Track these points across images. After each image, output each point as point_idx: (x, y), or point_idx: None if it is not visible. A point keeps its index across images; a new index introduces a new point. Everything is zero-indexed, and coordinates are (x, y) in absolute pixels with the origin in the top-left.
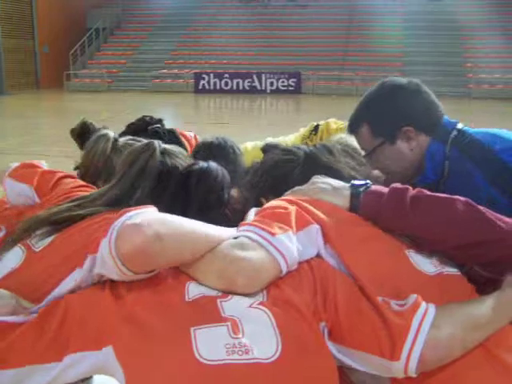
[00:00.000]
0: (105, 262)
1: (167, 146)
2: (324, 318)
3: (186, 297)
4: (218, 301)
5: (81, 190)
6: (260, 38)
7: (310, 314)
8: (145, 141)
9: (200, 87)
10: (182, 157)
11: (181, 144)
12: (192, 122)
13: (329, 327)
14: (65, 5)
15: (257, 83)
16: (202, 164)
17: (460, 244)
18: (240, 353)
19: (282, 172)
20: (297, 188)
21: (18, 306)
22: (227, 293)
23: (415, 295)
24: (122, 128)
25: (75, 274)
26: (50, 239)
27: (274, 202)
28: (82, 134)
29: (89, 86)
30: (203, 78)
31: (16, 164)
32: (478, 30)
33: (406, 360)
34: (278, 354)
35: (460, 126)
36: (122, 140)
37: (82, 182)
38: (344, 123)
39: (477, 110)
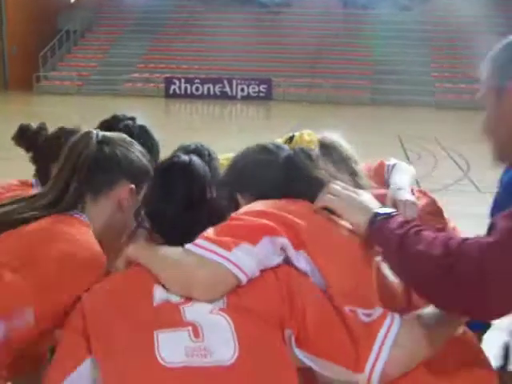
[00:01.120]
0: None
1: (108, 134)
2: (290, 326)
3: (154, 302)
4: (181, 307)
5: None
6: (231, 44)
7: (273, 320)
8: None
9: (171, 92)
10: (123, 144)
11: (151, 139)
12: (163, 126)
13: (295, 334)
14: (35, 5)
15: (228, 89)
16: (184, 157)
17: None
18: (200, 356)
19: (259, 171)
20: (320, 197)
21: None
22: (189, 299)
23: (381, 308)
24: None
25: None
26: None
27: (240, 213)
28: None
29: (58, 89)
30: (174, 83)
31: None
32: (447, 41)
33: (369, 372)
34: (235, 357)
35: None
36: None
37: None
38: (317, 135)
39: (442, 118)
